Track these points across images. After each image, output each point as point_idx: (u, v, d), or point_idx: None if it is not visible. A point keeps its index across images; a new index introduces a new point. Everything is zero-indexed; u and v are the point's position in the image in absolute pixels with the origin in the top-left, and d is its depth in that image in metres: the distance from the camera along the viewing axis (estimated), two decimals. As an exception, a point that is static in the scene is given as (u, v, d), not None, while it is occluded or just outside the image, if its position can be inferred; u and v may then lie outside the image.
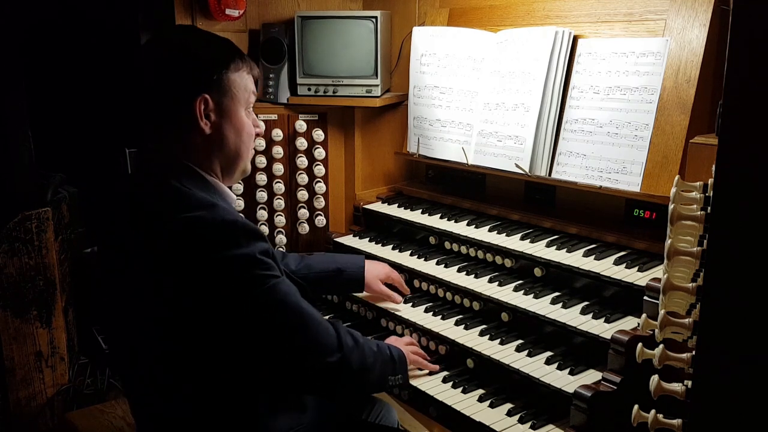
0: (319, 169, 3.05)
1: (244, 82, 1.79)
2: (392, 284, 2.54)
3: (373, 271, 2.47)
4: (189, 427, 1.76)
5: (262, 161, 2.99)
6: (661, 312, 1.39)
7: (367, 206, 2.98)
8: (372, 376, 1.89)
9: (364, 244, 2.83)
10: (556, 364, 2.01)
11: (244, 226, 1.66)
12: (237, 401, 1.73)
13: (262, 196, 3.05)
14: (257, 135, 1.86)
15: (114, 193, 1.87)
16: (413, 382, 2.15)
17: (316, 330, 1.72)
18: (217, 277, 1.62)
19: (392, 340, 2.19)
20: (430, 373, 2.21)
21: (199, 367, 1.68)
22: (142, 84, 1.77)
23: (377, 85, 2.97)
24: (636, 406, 1.40)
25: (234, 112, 1.77)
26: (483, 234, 2.51)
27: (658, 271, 2.07)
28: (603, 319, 2.03)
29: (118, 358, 1.93)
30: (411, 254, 2.65)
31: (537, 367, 2.02)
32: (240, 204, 3.02)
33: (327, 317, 2.57)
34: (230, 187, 1.88)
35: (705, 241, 1.31)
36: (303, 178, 3.07)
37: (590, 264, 2.18)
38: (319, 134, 3.03)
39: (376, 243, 2.81)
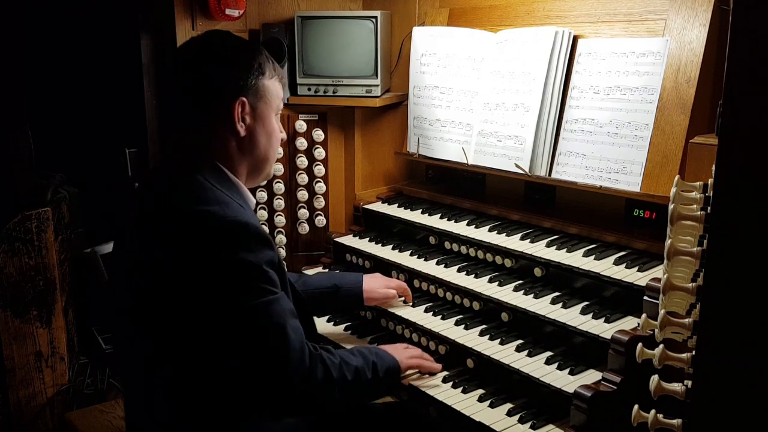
0: (319, 169, 3.05)
1: (276, 89, 1.88)
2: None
3: (371, 284, 2.42)
4: (177, 428, 1.77)
5: (262, 161, 2.99)
6: (661, 312, 1.39)
7: (367, 206, 2.98)
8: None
9: (364, 244, 2.83)
10: (556, 364, 2.01)
11: (256, 230, 1.67)
12: (225, 402, 1.73)
13: (262, 196, 3.05)
14: (281, 141, 1.94)
15: (133, 187, 1.90)
16: (412, 383, 2.14)
17: (286, 358, 1.69)
18: (217, 276, 1.63)
19: (385, 347, 2.13)
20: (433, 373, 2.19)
21: (187, 364, 1.70)
22: (183, 82, 1.82)
23: (377, 85, 2.97)
24: (636, 406, 1.40)
25: (267, 117, 1.86)
26: (483, 234, 2.51)
27: (658, 271, 2.07)
28: (603, 319, 2.03)
29: (119, 356, 1.94)
30: (411, 254, 2.65)
31: (537, 367, 2.02)
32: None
33: (325, 318, 2.58)
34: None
35: (705, 241, 1.31)
36: (303, 178, 3.07)
37: (590, 264, 2.18)
38: (319, 134, 3.04)
39: (376, 243, 2.81)
